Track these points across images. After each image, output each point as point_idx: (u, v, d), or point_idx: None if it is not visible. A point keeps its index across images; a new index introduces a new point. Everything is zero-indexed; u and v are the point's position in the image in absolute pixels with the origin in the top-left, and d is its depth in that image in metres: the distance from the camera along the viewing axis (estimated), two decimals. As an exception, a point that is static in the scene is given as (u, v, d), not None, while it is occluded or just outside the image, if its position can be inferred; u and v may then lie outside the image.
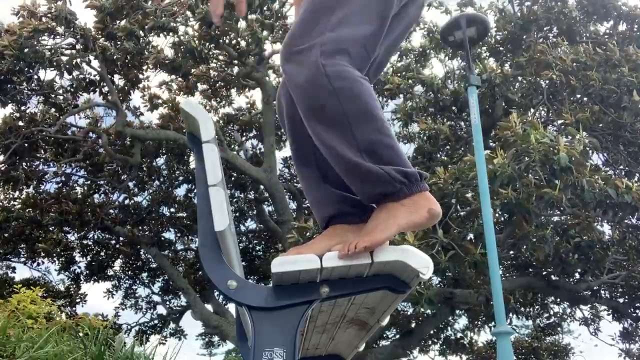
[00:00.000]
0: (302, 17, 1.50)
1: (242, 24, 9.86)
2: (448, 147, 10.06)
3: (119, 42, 9.95)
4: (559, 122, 8.51)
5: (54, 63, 9.55)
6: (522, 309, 12.08)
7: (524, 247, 8.13)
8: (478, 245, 6.72)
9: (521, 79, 9.59)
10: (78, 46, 9.84)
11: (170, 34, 9.62)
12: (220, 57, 11.15)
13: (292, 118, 1.63)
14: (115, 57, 10.07)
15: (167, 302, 14.46)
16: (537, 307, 12.49)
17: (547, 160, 6.00)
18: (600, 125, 8.52)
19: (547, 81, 8.37)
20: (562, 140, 6.17)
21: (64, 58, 9.76)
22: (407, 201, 1.39)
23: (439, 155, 9.86)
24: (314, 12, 1.48)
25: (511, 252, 9.35)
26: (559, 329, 13.78)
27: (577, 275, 9.27)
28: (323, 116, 1.40)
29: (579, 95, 8.63)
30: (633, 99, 7.82)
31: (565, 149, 5.96)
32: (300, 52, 1.43)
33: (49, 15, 9.31)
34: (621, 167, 9.08)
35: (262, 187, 12.04)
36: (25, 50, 8.77)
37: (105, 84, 10.58)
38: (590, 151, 7.23)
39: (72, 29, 9.48)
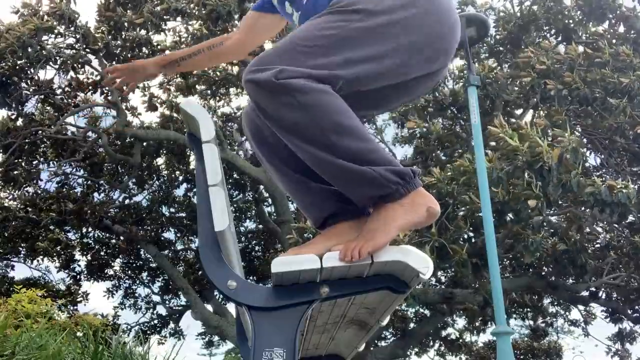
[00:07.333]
0: (277, 44, 1.47)
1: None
2: (447, 146, 10.03)
3: (123, 33, 9.90)
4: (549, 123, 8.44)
5: (56, 62, 9.53)
6: (520, 309, 12.08)
7: (518, 248, 8.12)
8: (464, 247, 6.70)
9: (516, 80, 9.57)
10: (78, 45, 9.82)
11: (181, 20, 9.62)
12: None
13: (260, 132, 1.62)
14: (118, 50, 10.02)
15: (167, 302, 14.46)
16: (531, 308, 12.49)
17: (535, 162, 5.96)
18: (599, 129, 8.45)
19: (526, 83, 8.28)
20: (547, 141, 6.15)
21: (65, 57, 9.74)
22: (405, 201, 1.37)
23: (439, 155, 9.84)
24: (291, 42, 1.44)
25: (510, 253, 9.34)
26: (551, 328, 13.80)
27: (575, 277, 9.26)
28: (300, 133, 1.37)
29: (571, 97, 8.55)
30: (609, 102, 7.53)
31: (549, 152, 5.94)
32: (261, 71, 1.37)
33: (51, 14, 9.29)
34: (615, 170, 9.05)
35: (261, 187, 12.03)
36: (29, 49, 8.72)
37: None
38: (587, 152, 7.18)
39: (73, 28, 9.46)
